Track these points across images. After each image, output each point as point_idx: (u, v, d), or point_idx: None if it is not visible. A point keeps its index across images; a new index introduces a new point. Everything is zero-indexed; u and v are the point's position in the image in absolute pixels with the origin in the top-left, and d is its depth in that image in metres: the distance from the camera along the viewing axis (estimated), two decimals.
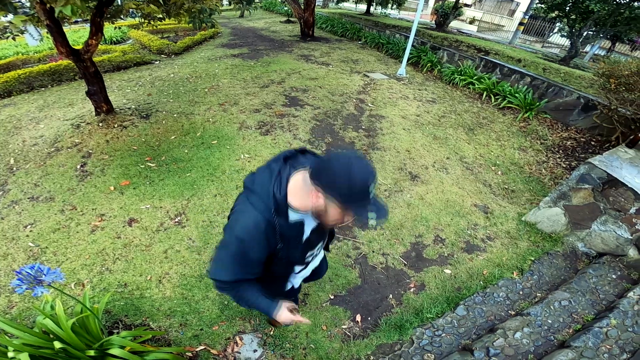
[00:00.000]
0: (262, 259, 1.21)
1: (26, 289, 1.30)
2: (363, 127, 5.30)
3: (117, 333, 2.03)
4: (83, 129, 4.76)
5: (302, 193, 1.07)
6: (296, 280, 1.67)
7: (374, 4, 16.38)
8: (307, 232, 1.27)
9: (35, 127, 4.95)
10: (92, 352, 1.55)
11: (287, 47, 10.39)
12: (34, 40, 8.64)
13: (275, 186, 1.09)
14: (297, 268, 1.52)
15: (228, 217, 1.28)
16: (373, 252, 3.13)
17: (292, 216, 1.14)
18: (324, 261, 1.94)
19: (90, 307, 1.80)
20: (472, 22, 15.83)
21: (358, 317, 2.57)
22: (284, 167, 1.14)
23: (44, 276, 1.34)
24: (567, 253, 3.27)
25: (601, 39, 8.80)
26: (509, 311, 2.67)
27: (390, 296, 2.77)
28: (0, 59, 7.80)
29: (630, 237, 2.95)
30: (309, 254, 1.45)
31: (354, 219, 1.10)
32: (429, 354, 2.30)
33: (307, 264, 1.57)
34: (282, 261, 1.30)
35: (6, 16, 3.35)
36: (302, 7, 11.60)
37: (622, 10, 6.68)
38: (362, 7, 18.70)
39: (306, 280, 1.93)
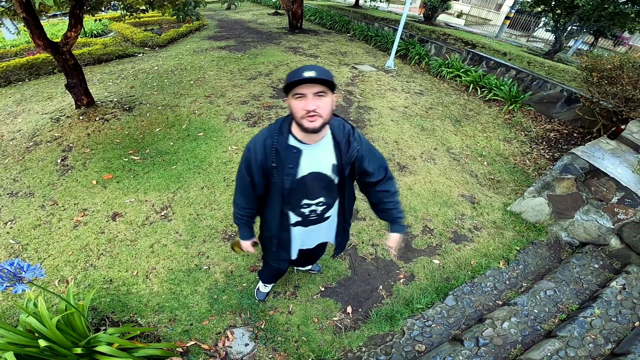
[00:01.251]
0: (259, 171, 1.44)
1: (6, 286, 1.26)
2: (352, 118, 5.29)
3: (104, 330, 1.98)
4: (63, 123, 4.61)
5: None
6: (293, 241, 1.74)
7: None
8: (302, 168, 1.41)
9: (12, 122, 4.78)
10: (78, 350, 1.51)
11: (275, 39, 10.26)
12: (11, 34, 8.33)
13: (284, 120, 1.41)
14: (293, 216, 1.61)
15: None
16: (362, 243, 3.13)
17: (292, 141, 1.38)
18: (323, 245, 2.04)
19: (75, 304, 1.76)
20: (459, 15, 15.88)
21: (349, 309, 2.58)
22: (290, 116, 1.40)
23: (23, 273, 1.29)
24: (551, 242, 3.34)
25: (585, 34, 8.93)
26: (497, 301, 2.71)
27: (381, 287, 2.78)
28: None
29: (612, 227, 3.03)
30: (304, 201, 1.53)
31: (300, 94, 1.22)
32: (420, 345, 2.32)
33: (304, 218, 1.62)
34: (277, 189, 1.47)
35: None
36: None
37: (606, 6, 6.79)
38: None
39: (303, 261, 2.11)
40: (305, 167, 1.41)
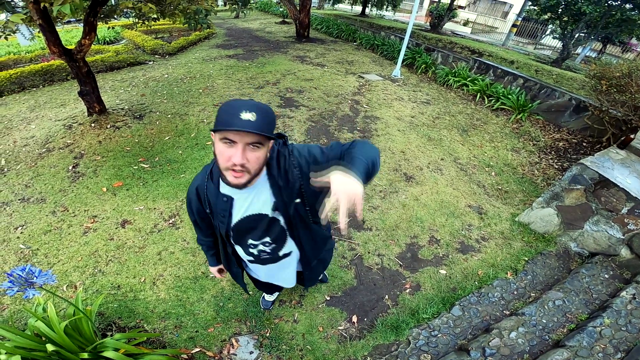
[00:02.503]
0: (198, 216, 1.42)
1: (17, 291, 1.28)
2: (358, 128, 5.31)
3: (111, 335, 2.00)
4: (75, 130, 4.71)
5: None
6: (256, 271, 1.72)
7: (369, 5, 16.44)
8: (237, 214, 1.29)
9: (26, 128, 4.89)
10: (85, 355, 1.53)
11: (282, 48, 10.39)
12: (26, 40, 8.55)
13: (214, 159, 1.20)
14: (240, 250, 1.52)
15: None
16: (369, 253, 3.13)
17: (223, 188, 1.25)
18: (300, 274, 1.80)
19: (83, 309, 1.78)
20: (466, 23, 15.96)
21: (354, 318, 2.57)
22: None
23: (35, 278, 1.32)
24: (560, 253, 3.29)
25: (592, 41, 8.90)
26: (504, 311, 2.68)
27: (386, 297, 2.77)
28: None
29: (622, 237, 2.98)
30: (249, 242, 1.41)
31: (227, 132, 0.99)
32: (425, 355, 2.30)
33: (256, 257, 1.50)
34: (217, 230, 1.41)
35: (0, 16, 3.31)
36: (298, 8, 11.60)
37: (613, 12, 6.78)
38: (358, 8, 18.76)
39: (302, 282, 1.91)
40: (239, 213, 1.28)
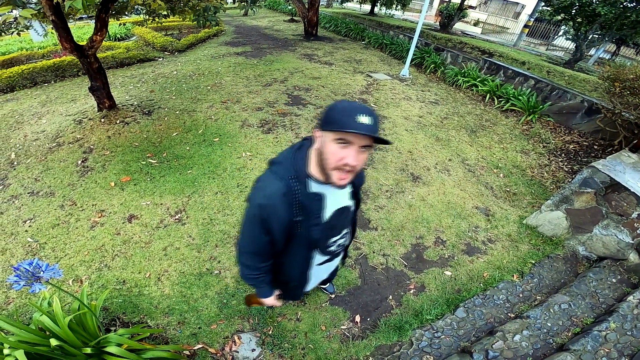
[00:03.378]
0: (280, 229, 1.21)
1: (24, 285, 1.29)
2: None
3: (115, 331, 2.02)
4: (85, 125, 4.76)
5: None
6: (313, 279, 1.61)
7: (378, 4, 16.34)
8: (328, 210, 1.27)
9: (37, 122, 4.96)
10: (88, 350, 1.54)
11: (290, 46, 10.38)
12: (39, 36, 8.66)
13: (296, 155, 1.17)
14: (319, 257, 1.46)
15: (248, 197, 1.28)
16: (373, 252, 3.11)
17: (313, 187, 1.18)
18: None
19: (88, 304, 1.80)
20: (476, 24, 15.78)
21: (357, 318, 2.56)
22: (305, 142, 1.22)
23: (42, 272, 1.32)
24: (568, 256, 3.25)
25: (606, 43, 8.74)
26: (509, 314, 2.65)
27: (390, 297, 2.75)
28: (4, 54, 7.82)
29: (632, 242, 2.93)
30: (332, 240, 1.42)
31: (346, 143, 1.00)
32: (428, 356, 2.28)
33: (331, 255, 1.50)
34: (303, 240, 1.29)
35: (11, 11, 3.35)
36: (306, 6, 11.58)
37: (628, 14, 6.64)
38: (366, 7, 18.67)
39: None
40: (330, 209, 1.28)
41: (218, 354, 2.21)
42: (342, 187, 1.10)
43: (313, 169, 1.16)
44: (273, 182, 1.16)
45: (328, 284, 2.68)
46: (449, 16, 11.67)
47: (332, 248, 1.47)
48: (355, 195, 1.42)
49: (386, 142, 1.03)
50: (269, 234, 1.22)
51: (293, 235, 1.26)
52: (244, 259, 1.37)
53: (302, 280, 1.53)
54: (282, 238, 1.26)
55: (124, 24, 11.44)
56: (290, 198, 1.15)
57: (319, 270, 1.58)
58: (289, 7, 18.86)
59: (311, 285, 1.70)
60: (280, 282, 1.56)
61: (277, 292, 1.59)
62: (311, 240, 1.31)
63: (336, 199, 1.29)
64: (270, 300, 1.56)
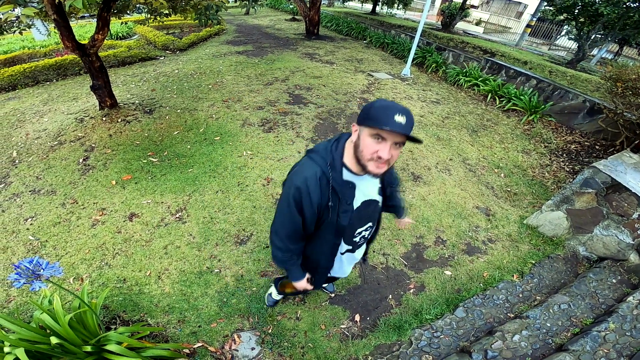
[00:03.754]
0: (313, 212, 1.30)
1: (24, 283, 1.30)
2: None
3: (115, 329, 2.03)
4: (86, 123, 4.77)
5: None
6: (336, 265, 1.68)
7: (380, 3, 16.31)
8: (358, 199, 1.35)
9: (39, 121, 4.98)
10: (88, 348, 1.55)
11: (291, 45, 10.38)
12: (41, 35, 8.68)
13: (332, 145, 1.28)
14: (344, 246, 1.55)
15: (284, 182, 1.39)
16: (374, 252, 3.12)
17: (346, 175, 1.27)
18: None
19: (89, 302, 1.81)
20: (478, 23, 15.73)
21: (357, 317, 2.57)
22: (342, 135, 1.32)
23: (42, 270, 1.33)
24: (568, 257, 3.24)
25: (609, 43, 8.69)
26: (508, 314, 2.65)
27: (390, 296, 2.76)
28: (6, 53, 7.84)
29: (632, 242, 2.92)
30: (357, 230, 1.48)
31: (384, 138, 1.10)
32: (427, 356, 2.29)
33: (353, 245, 1.57)
34: (332, 226, 1.38)
35: (13, 10, 3.36)
36: (308, 5, 11.57)
37: (631, 14, 6.60)
38: (368, 6, 18.64)
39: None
40: (359, 199, 1.36)
41: (218, 353, 2.21)
42: (377, 175, 1.19)
43: (348, 159, 1.26)
44: (310, 166, 1.26)
45: (328, 283, 2.68)
46: (451, 15, 11.64)
47: (356, 239, 1.54)
48: (384, 192, 1.50)
49: (418, 141, 1.11)
50: (302, 215, 1.31)
51: (323, 221, 1.36)
52: (277, 240, 1.44)
53: (328, 266, 1.63)
54: (313, 221, 1.35)
55: (126, 23, 11.46)
56: (325, 183, 1.25)
57: (341, 259, 1.66)
58: (291, 6, 18.83)
59: (335, 272, 1.76)
60: (309, 267, 1.66)
61: (307, 276, 1.66)
62: (339, 227, 1.38)
63: (366, 191, 1.37)
64: (302, 284, 1.64)
